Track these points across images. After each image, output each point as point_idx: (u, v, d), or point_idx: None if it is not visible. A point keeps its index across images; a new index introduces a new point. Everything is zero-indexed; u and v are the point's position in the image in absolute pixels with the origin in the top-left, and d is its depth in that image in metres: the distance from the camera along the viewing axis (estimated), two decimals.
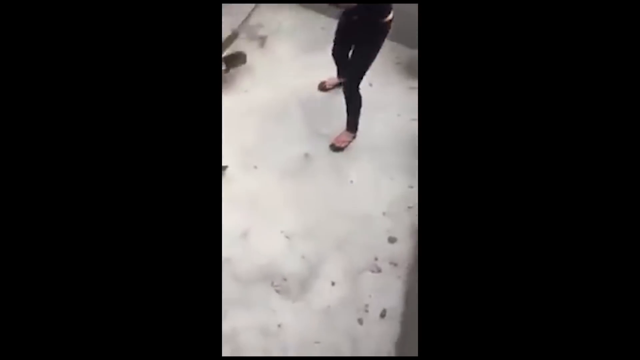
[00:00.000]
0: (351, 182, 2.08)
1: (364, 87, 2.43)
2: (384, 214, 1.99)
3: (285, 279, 1.74)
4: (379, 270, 1.83)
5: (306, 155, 2.14)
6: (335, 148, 2.17)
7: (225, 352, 1.54)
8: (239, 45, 2.52)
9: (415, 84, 2.47)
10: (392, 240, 1.91)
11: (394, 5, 1.81)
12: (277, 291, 1.71)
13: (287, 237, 1.86)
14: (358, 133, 2.21)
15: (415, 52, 2.57)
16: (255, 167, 2.07)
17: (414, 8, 2.42)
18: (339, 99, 2.36)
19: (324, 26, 2.66)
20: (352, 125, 2.15)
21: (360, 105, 2.07)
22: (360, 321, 1.70)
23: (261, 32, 2.68)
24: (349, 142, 2.19)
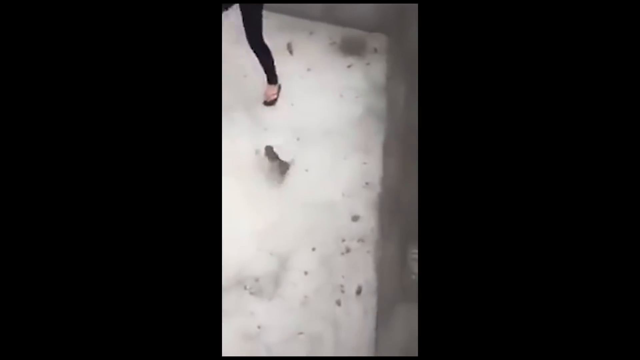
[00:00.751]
0: (306, 170, 2.08)
1: (303, 73, 2.42)
2: (343, 195, 2.01)
3: (257, 280, 1.74)
4: (348, 250, 1.87)
5: (256, 151, 2.11)
6: (268, 103, 2.22)
7: None
8: None
9: (353, 61, 2.49)
10: (355, 218, 1.95)
11: None
12: (252, 293, 1.71)
13: (251, 238, 1.84)
14: (306, 120, 2.21)
15: (346, 30, 2.57)
16: None
17: None
18: (281, 89, 2.33)
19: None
20: (272, 76, 2.19)
21: (270, 56, 2.10)
22: (338, 303, 1.74)
23: None
24: (277, 92, 2.23)
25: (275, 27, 2.57)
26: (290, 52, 2.51)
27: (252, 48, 2.03)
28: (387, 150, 2.16)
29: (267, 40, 2.35)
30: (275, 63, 2.14)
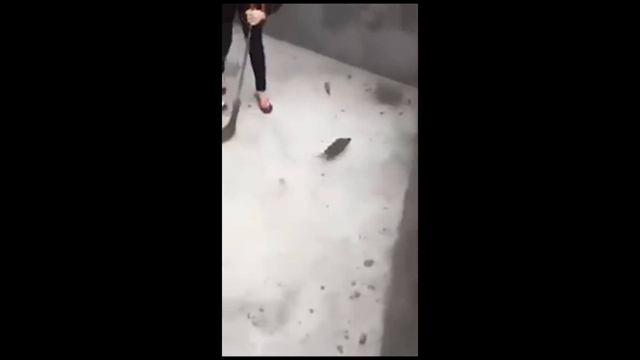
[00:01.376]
0: (327, 206, 2.09)
1: (337, 113, 2.51)
2: (359, 237, 2.00)
3: (262, 310, 1.70)
4: (357, 295, 1.82)
5: (281, 180, 2.14)
6: (268, 110, 2.41)
7: None
8: None
9: (386, 109, 2.57)
10: (368, 263, 1.92)
11: None
12: (254, 323, 1.66)
13: (262, 265, 1.83)
14: (331, 161, 2.27)
15: (383, 78, 2.68)
16: (230, 193, 2.05)
17: (381, 39, 2.56)
18: (309, 123, 2.41)
19: (295, 55, 2.74)
20: (264, 83, 2.40)
21: (265, 63, 2.35)
22: (340, 349, 1.67)
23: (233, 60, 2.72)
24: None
25: (315, 67, 2.72)
26: (328, 91, 2.62)
27: (253, 56, 2.26)
28: (409, 198, 2.15)
29: (306, 79, 2.47)
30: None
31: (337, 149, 2.27)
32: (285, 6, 2.52)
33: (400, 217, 2.10)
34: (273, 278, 1.80)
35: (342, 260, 1.90)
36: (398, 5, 2.42)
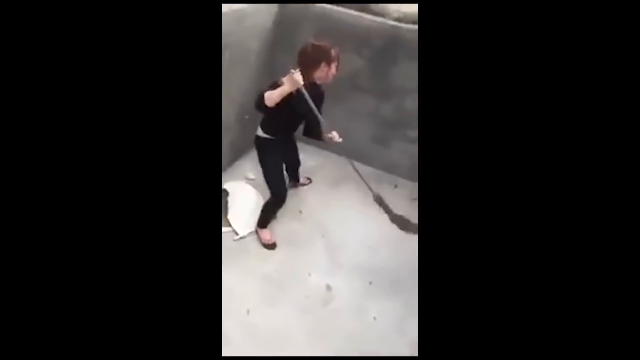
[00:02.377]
0: (374, 318, 1.98)
1: (385, 224, 2.56)
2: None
3: None
4: None
5: (327, 287, 2.11)
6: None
7: None
8: None
9: None
10: None
11: None
12: None
13: None
14: (381, 266, 2.25)
15: None
16: (274, 297, 2.04)
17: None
18: (356, 230, 2.46)
19: (346, 167, 2.95)
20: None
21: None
22: None
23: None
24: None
25: (364, 177, 2.89)
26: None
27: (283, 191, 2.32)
28: None
29: (355, 188, 2.60)
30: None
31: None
32: (340, 124, 2.82)
33: None
34: None
35: None
36: None
